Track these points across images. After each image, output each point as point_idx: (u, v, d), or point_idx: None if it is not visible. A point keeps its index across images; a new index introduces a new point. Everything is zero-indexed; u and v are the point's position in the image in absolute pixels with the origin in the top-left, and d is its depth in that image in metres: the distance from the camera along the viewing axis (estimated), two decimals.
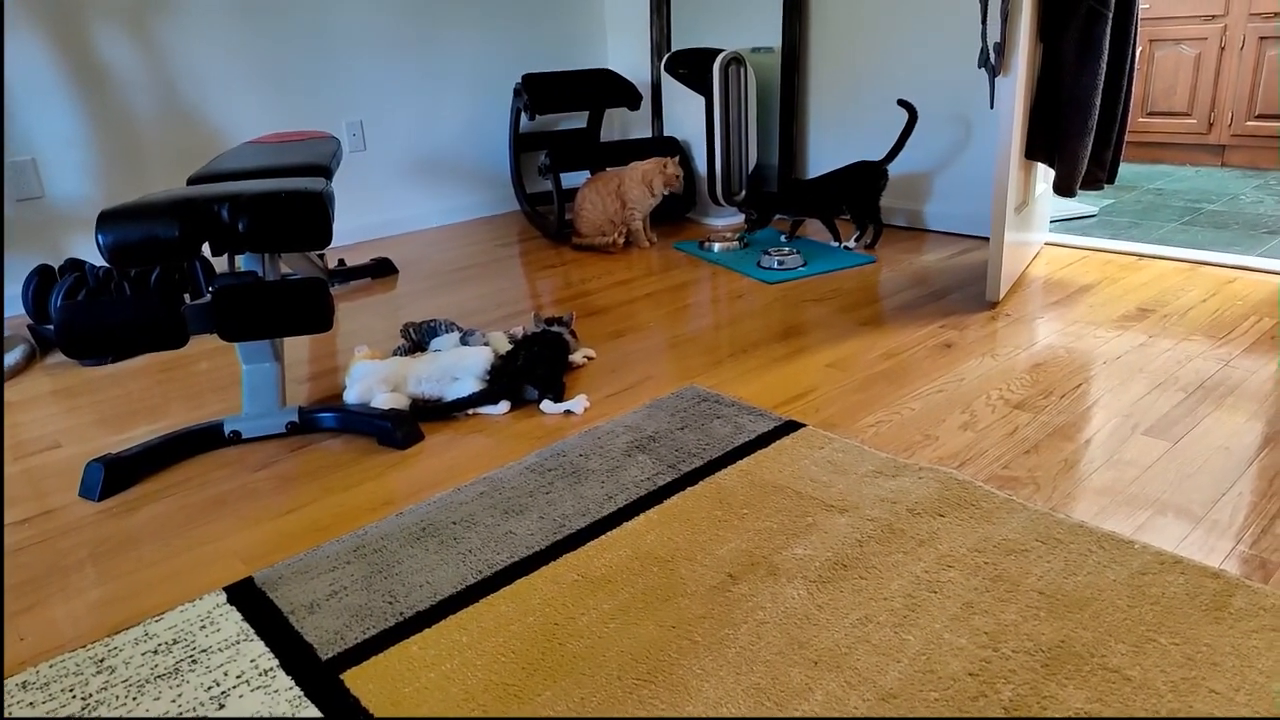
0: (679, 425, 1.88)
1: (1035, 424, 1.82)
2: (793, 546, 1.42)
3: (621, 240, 3.45)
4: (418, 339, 2.37)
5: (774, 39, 3.76)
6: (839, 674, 1.14)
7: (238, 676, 1.20)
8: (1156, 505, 1.50)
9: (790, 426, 1.83)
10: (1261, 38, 4.24)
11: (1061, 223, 3.48)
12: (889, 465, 1.66)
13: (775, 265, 3.04)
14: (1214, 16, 4.36)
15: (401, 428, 1.90)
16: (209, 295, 1.81)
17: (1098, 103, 2.52)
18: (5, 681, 1.23)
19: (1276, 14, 4.18)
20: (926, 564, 1.35)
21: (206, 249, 1.78)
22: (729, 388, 2.08)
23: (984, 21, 2.41)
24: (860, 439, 1.79)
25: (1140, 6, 2.59)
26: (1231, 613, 1.20)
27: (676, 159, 3.43)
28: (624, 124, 4.56)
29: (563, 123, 4.34)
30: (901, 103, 3.13)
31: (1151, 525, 1.44)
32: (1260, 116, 4.33)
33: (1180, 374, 2.01)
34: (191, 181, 2.16)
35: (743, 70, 3.64)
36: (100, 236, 1.66)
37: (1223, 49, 4.37)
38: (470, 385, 2.05)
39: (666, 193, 3.43)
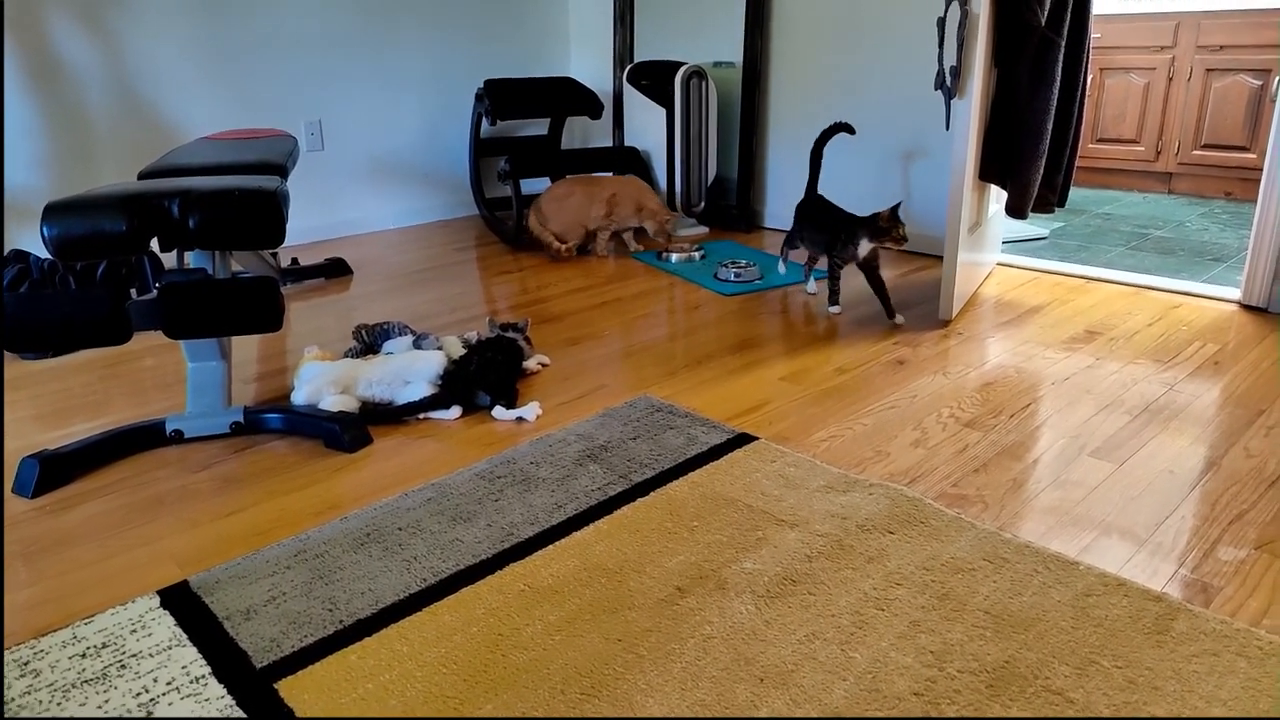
0: (631, 435, 1.87)
1: (985, 443, 1.84)
2: (742, 560, 1.41)
3: (573, 250, 3.43)
4: (370, 341, 2.33)
5: (736, 54, 3.78)
6: (785, 691, 1.13)
7: (168, 683, 1.16)
8: (1102, 527, 1.52)
9: (743, 439, 1.83)
10: (1208, 69, 4.37)
11: (1013, 244, 3.55)
12: (840, 480, 1.66)
13: (732, 277, 3.05)
14: (1163, 47, 4.48)
15: (349, 431, 1.86)
16: (156, 291, 1.76)
17: (1049, 128, 2.57)
18: None
19: (1223, 47, 4.31)
20: (875, 581, 1.35)
21: (156, 245, 1.73)
22: (683, 399, 2.07)
23: (941, 45, 2.45)
24: (812, 453, 1.80)
25: (1092, 35, 2.65)
26: (1173, 636, 1.22)
27: (674, 219, 3.47)
28: (585, 132, 4.55)
29: (524, 129, 4.32)
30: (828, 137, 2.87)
31: (1096, 546, 1.46)
32: (1206, 146, 4.46)
33: (1126, 397, 2.05)
34: (143, 176, 2.11)
35: (704, 84, 3.66)
36: (45, 228, 1.61)
37: (1171, 79, 4.49)
38: (422, 389, 2.02)
39: (646, 229, 3.45)
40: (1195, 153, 4.51)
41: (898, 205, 2.57)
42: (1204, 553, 1.44)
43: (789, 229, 3.00)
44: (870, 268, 2.64)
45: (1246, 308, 2.68)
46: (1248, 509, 1.56)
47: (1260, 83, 4.23)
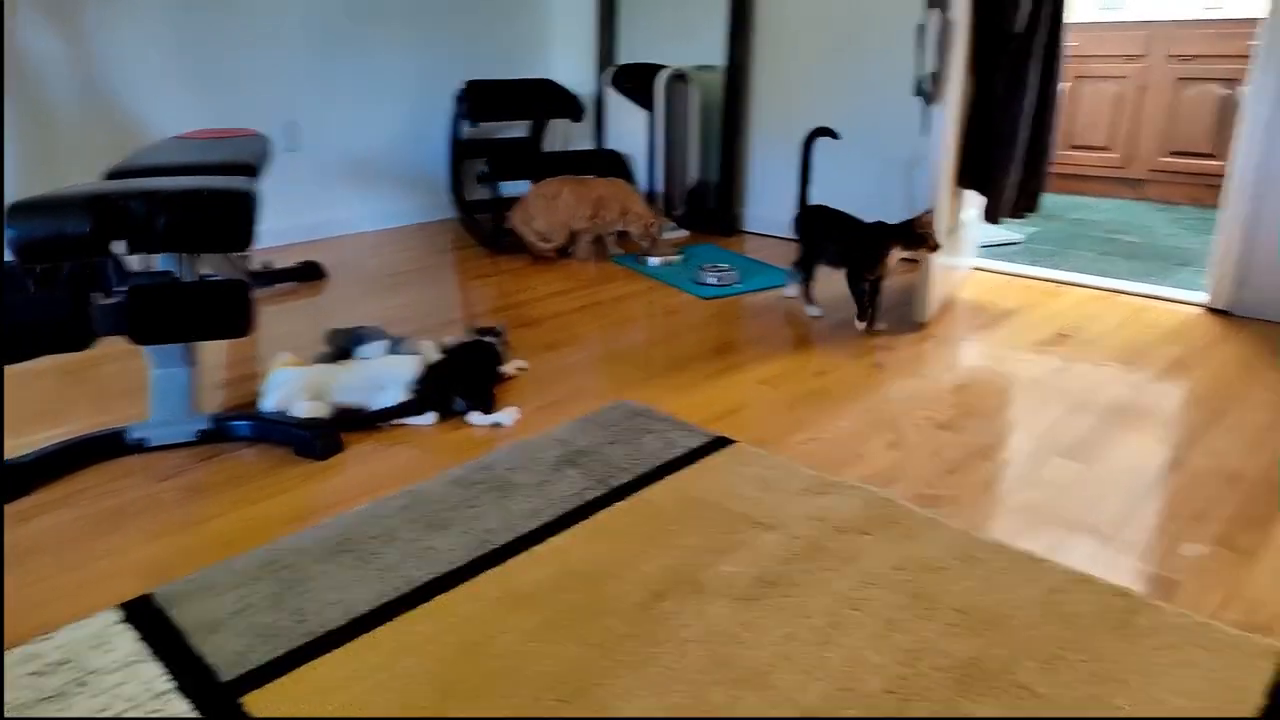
0: (609, 440, 1.86)
1: (958, 444, 1.85)
2: (719, 563, 1.41)
3: (556, 251, 3.42)
4: (343, 346, 2.31)
5: (718, 58, 3.79)
6: (761, 693, 1.13)
7: (129, 700, 1.14)
8: (1070, 525, 1.53)
9: (721, 442, 1.83)
10: (1178, 79, 4.43)
11: (988, 248, 3.57)
12: (817, 483, 1.66)
13: (712, 281, 3.06)
14: (1135, 56, 4.54)
15: (321, 438, 1.84)
16: (121, 295, 1.73)
17: (1024, 134, 2.60)
18: None
19: (1194, 57, 4.37)
20: (850, 581, 1.36)
21: (122, 247, 1.70)
22: (661, 402, 2.07)
23: (920, 51, 2.47)
24: (790, 456, 1.80)
25: (1066, 43, 2.68)
26: (1137, 630, 1.23)
27: (659, 223, 3.41)
28: (566, 135, 4.54)
29: (504, 131, 4.31)
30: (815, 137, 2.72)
31: (1064, 544, 1.47)
32: (1175, 153, 4.52)
33: (1095, 398, 2.07)
34: (110, 176, 2.08)
35: (686, 87, 3.66)
36: (7, 230, 1.58)
37: (1142, 88, 4.55)
38: (396, 395, 2.00)
39: (631, 233, 3.41)
40: (1164, 160, 4.57)
41: (930, 211, 2.43)
42: (1167, 549, 1.45)
43: (798, 257, 2.72)
44: (882, 276, 2.50)
45: (1212, 311, 2.72)
46: (1209, 506, 1.58)
47: (1228, 92, 4.29)
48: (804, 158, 2.69)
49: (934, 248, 2.44)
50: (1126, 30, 4.56)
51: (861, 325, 2.56)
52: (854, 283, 2.57)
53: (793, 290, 2.86)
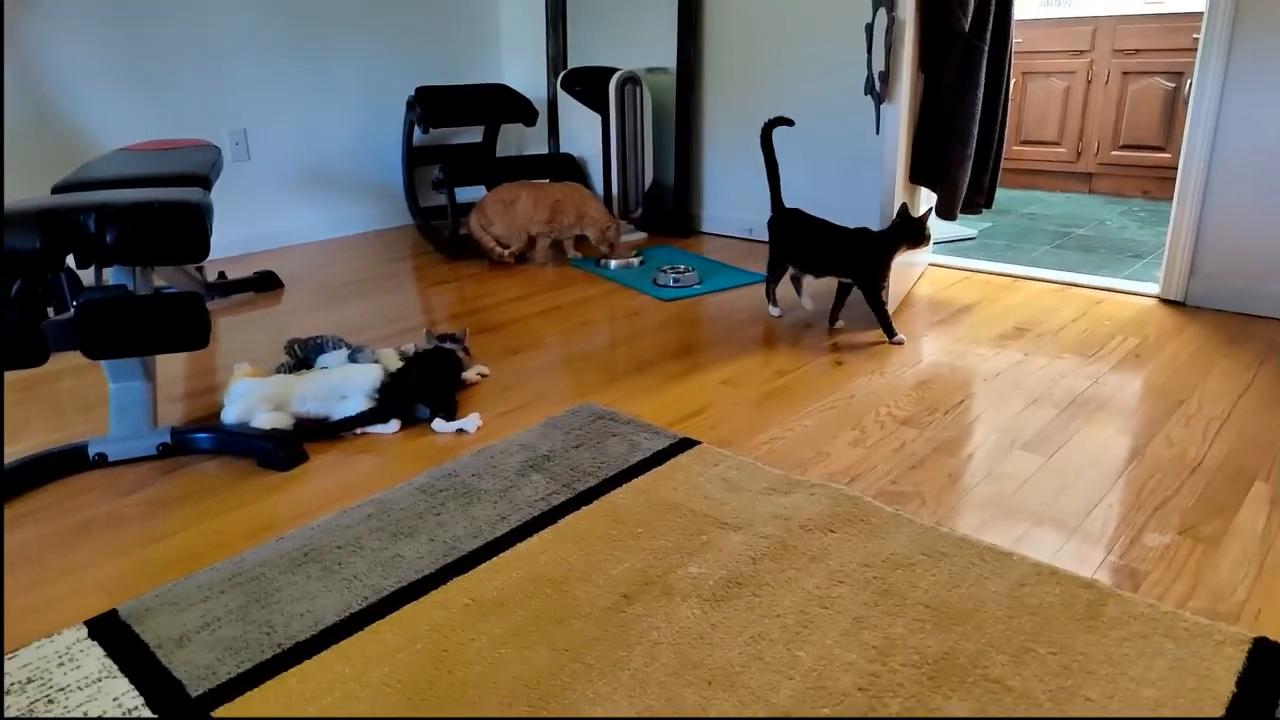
0: (574, 443, 1.86)
1: (921, 440, 1.87)
2: (687, 565, 1.42)
3: (514, 256, 3.41)
4: (303, 356, 2.28)
5: (669, 59, 3.81)
6: (732, 693, 1.13)
7: (99, 717, 1.12)
8: (1034, 517, 1.56)
9: (685, 444, 1.84)
10: (1124, 72, 4.53)
11: (943, 245, 3.63)
12: (782, 482, 1.68)
13: (671, 283, 3.06)
14: (1081, 52, 4.64)
15: (284, 448, 1.81)
16: (73, 310, 1.70)
17: (975, 131, 2.64)
18: None
19: (1138, 50, 4.47)
20: (818, 580, 1.37)
21: (73, 261, 1.67)
22: (624, 405, 2.07)
23: (870, 50, 2.50)
24: (754, 456, 1.81)
25: (1013, 40, 2.73)
26: (1104, 621, 1.25)
27: (616, 226, 3.40)
28: (520, 140, 4.53)
29: (457, 136, 4.28)
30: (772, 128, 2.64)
31: (1029, 537, 1.50)
32: (1124, 146, 4.62)
33: (1054, 390, 2.11)
34: (57, 190, 2.04)
35: (639, 89, 3.67)
36: None
37: (1089, 82, 4.65)
38: (358, 404, 1.98)
39: (588, 237, 3.40)
40: (1114, 153, 4.67)
41: (904, 207, 2.43)
42: (1131, 539, 1.48)
43: (770, 260, 2.69)
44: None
45: (1165, 302, 2.79)
46: (1171, 495, 1.62)
47: (1174, 85, 4.40)
48: (767, 154, 2.62)
49: (927, 240, 2.44)
50: (1072, 26, 4.65)
51: (900, 337, 2.48)
52: (872, 295, 2.46)
53: (808, 303, 2.74)
